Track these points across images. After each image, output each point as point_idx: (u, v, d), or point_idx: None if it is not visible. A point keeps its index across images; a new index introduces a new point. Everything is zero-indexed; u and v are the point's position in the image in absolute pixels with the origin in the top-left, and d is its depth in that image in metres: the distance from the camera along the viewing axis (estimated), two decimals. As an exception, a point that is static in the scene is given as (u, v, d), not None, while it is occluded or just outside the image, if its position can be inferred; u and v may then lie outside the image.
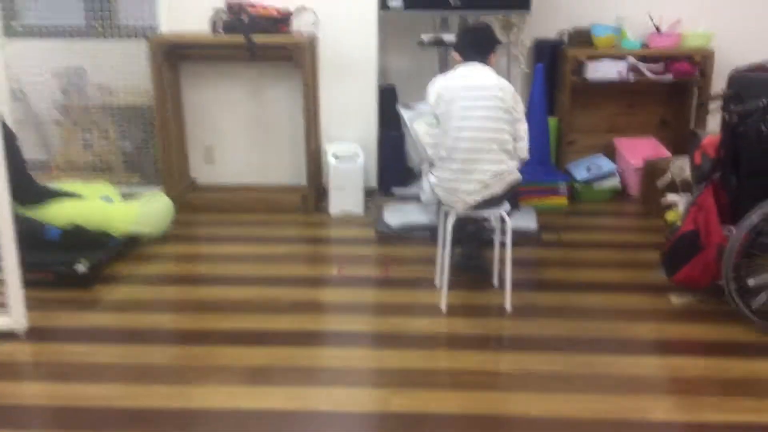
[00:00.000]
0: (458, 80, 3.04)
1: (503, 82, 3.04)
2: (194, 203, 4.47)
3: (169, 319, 3.10)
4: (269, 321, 3.05)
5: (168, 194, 4.21)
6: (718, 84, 4.35)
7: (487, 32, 3.20)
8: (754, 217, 2.83)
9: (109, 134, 4.58)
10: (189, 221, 4.29)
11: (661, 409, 2.44)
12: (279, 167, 4.73)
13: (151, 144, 4.54)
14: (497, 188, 3.01)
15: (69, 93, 4.55)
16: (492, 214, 3.17)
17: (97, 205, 3.76)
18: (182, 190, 4.49)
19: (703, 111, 4.59)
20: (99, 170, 4.61)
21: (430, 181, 3.14)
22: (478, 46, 3.14)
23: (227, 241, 3.99)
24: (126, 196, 4.08)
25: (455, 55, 3.20)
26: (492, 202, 3.04)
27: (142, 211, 3.83)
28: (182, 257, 3.80)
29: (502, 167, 2.99)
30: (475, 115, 2.96)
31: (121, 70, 4.49)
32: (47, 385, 2.60)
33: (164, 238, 3.97)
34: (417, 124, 3.94)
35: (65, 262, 3.36)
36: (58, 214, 3.61)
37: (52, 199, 3.62)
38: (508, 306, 3.13)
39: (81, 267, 3.34)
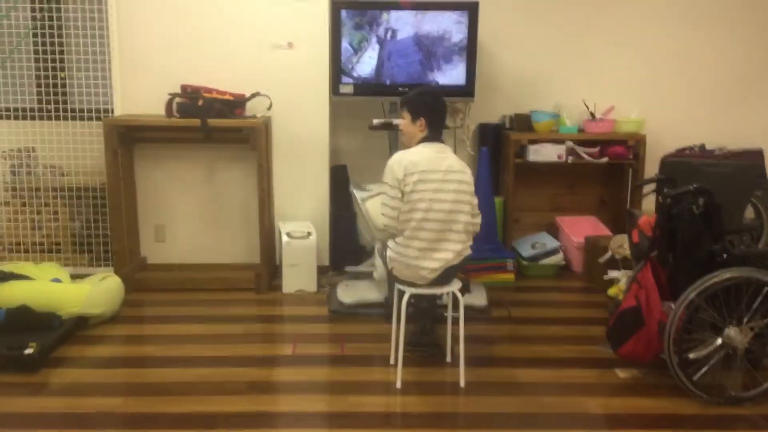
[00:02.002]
0: (426, 161, 3.14)
1: (464, 165, 3.22)
2: (145, 282, 4.43)
3: (118, 402, 3.02)
4: (222, 403, 3.01)
5: (118, 274, 4.18)
6: (651, 165, 4.64)
7: (446, 109, 3.36)
8: (691, 295, 2.99)
9: (59, 214, 4.54)
10: (140, 301, 4.24)
11: (612, 482, 2.51)
12: (232, 246, 4.75)
13: (102, 224, 4.52)
14: (455, 262, 3.15)
15: (19, 174, 4.52)
16: (445, 292, 3.26)
17: (46, 286, 3.72)
18: (133, 270, 4.45)
19: (638, 193, 4.85)
20: (48, 251, 4.54)
21: (389, 256, 3.21)
22: (441, 122, 3.31)
23: (179, 321, 3.96)
24: (75, 277, 4.03)
25: (420, 121, 3.25)
26: (449, 274, 3.16)
27: (92, 291, 3.79)
28: (132, 338, 3.75)
29: (463, 246, 3.15)
30: (444, 198, 3.09)
31: (74, 151, 4.50)
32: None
33: (114, 319, 3.92)
34: (370, 203, 4.08)
35: (13, 346, 3.29)
36: (7, 296, 3.55)
37: (2, 281, 3.57)
38: (461, 382, 3.18)
39: (29, 350, 3.26)
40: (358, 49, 4.47)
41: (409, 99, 3.32)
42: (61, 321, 3.63)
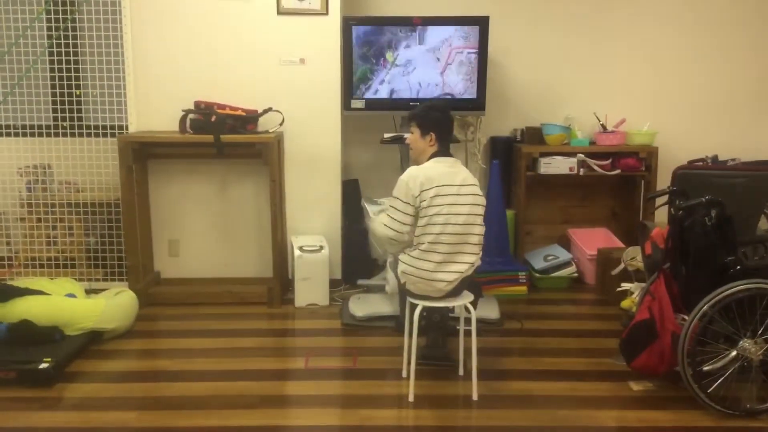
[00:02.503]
0: (440, 175, 3.16)
1: (475, 179, 3.25)
2: (159, 297, 4.47)
3: (132, 417, 3.04)
4: (236, 417, 3.02)
5: (132, 289, 4.22)
6: (663, 177, 4.62)
7: (453, 124, 3.40)
8: (704, 307, 2.97)
9: (74, 230, 4.59)
10: (154, 315, 4.27)
11: (627, 496, 2.49)
12: (245, 260, 4.77)
13: (116, 239, 4.56)
14: (468, 274, 3.19)
15: (34, 190, 4.58)
16: (457, 305, 3.26)
17: (61, 301, 3.75)
18: (146, 284, 4.49)
19: (650, 205, 4.84)
20: (62, 266, 4.59)
21: (402, 270, 3.21)
22: (450, 136, 3.35)
23: (192, 335, 3.98)
24: (90, 292, 4.07)
25: (430, 136, 3.26)
26: (461, 286, 3.20)
27: (107, 306, 3.82)
28: (146, 353, 3.77)
29: (476, 257, 3.19)
30: (459, 212, 3.12)
31: (89, 167, 4.56)
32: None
33: (128, 334, 3.95)
34: (379, 218, 4.08)
35: (28, 361, 3.32)
36: (22, 311, 3.59)
37: (17, 296, 3.61)
38: (474, 395, 3.17)
39: (44, 365, 3.29)
40: (369, 65, 4.51)
41: (417, 114, 3.34)
42: (63, 335, 3.65)
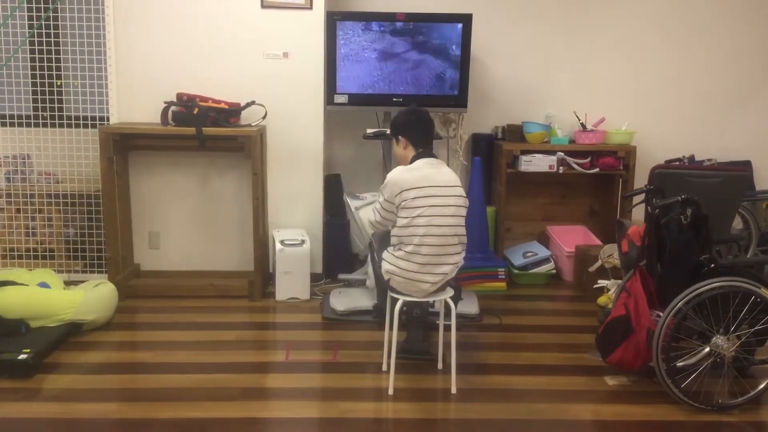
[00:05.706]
0: (423, 177, 3.17)
1: (458, 179, 3.26)
2: (139, 289, 4.45)
3: (111, 408, 3.04)
4: (215, 409, 3.03)
5: (112, 281, 4.21)
6: (641, 176, 4.69)
7: (432, 122, 3.41)
8: (679, 303, 3.03)
9: (53, 221, 4.56)
10: (133, 308, 4.26)
11: (601, 488, 2.55)
12: (226, 253, 4.77)
13: (96, 231, 4.54)
14: (452, 275, 3.22)
15: (13, 180, 4.54)
16: (438, 299, 3.29)
17: (40, 292, 3.73)
18: (126, 276, 4.47)
19: (628, 203, 4.91)
20: (41, 257, 4.55)
21: (386, 269, 3.23)
22: (429, 136, 3.36)
23: (172, 327, 3.98)
24: (69, 284, 4.04)
25: (402, 141, 3.31)
26: (444, 284, 3.22)
27: (86, 298, 3.80)
28: (126, 345, 3.76)
29: (460, 257, 3.22)
30: (443, 214, 3.14)
31: (69, 158, 4.53)
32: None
33: (108, 326, 3.94)
34: (363, 212, 4.12)
35: (6, 351, 3.30)
36: (0, 302, 3.56)
37: (-5, 287, 3.60)
38: (453, 389, 3.21)
39: (23, 356, 3.27)
40: (352, 60, 4.52)
41: (391, 121, 3.39)
42: (29, 327, 3.62)
